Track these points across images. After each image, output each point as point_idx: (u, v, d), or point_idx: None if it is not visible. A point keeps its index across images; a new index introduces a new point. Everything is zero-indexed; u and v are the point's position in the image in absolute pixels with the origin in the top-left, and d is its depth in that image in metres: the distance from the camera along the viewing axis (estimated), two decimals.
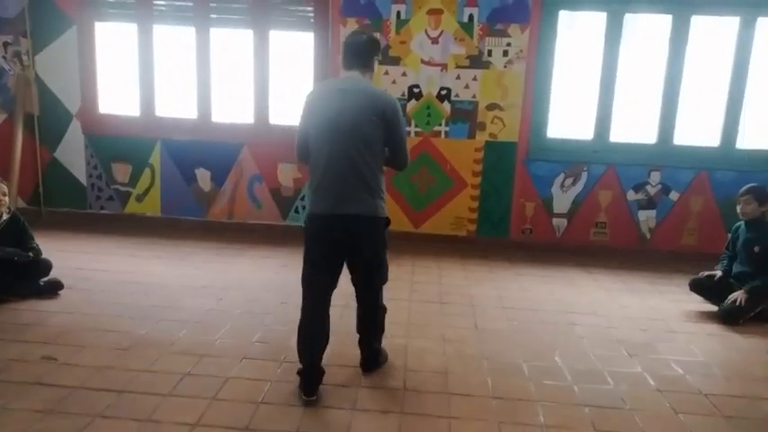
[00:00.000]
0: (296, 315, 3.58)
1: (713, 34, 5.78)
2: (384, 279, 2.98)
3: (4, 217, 4.01)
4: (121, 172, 5.84)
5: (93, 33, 5.68)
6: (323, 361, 2.87)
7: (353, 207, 2.69)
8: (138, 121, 5.79)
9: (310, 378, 2.80)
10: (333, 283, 2.85)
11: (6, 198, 4.02)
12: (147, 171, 5.81)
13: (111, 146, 5.80)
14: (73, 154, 5.83)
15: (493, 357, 3.35)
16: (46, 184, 5.87)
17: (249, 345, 3.38)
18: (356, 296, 3.01)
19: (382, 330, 3.19)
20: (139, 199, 5.87)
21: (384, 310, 3.14)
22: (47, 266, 4.08)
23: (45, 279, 4.03)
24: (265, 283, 4.41)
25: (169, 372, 3.02)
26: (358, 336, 3.13)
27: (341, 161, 2.67)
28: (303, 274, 2.84)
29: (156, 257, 4.92)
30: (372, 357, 3.13)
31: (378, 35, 5.28)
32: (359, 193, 2.70)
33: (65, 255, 4.68)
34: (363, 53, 2.83)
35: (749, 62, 5.32)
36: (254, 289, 4.28)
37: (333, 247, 2.77)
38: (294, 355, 2.92)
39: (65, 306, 3.81)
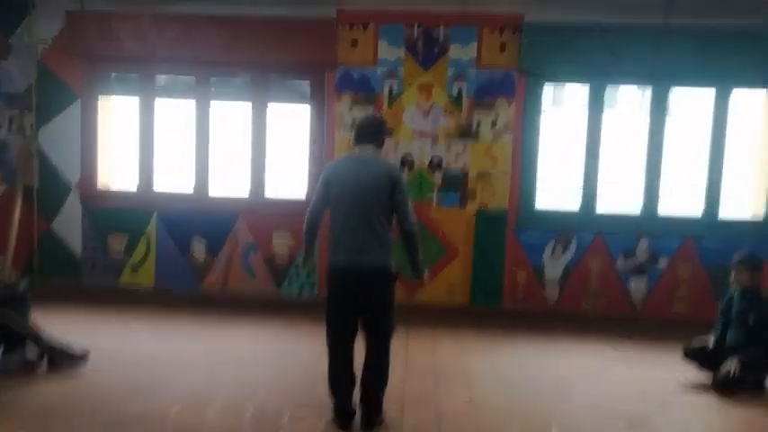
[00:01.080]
0: (290, 389, 3.58)
1: (692, 105, 6.07)
2: (392, 328, 3.32)
3: None
4: (117, 242, 5.88)
5: (96, 107, 5.87)
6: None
7: (369, 258, 3.17)
8: (135, 195, 5.90)
9: (344, 419, 3.24)
10: (354, 330, 3.25)
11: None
12: (142, 241, 5.86)
13: (109, 218, 5.87)
14: (70, 225, 5.88)
15: None
16: (40, 255, 5.90)
17: (243, 421, 3.33)
18: (366, 348, 3.28)
19: (386, 383, 3.33)
20: (135, 269, 5.88)
21: (389, 363, 3.35)
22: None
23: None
24: (259, 357, 4.38)
25: None
26: (361, 390, 3.28)
27: (360, 220, 3.18)
28: (328, 321, 3.27)
29: (148, 330, 4.89)
30: (376, 408, 3.28)
31: (371, 109, 5.51)
32: (374, 246, 3.18)
33: (54, 328, 4.61)
34: (376, 133, 3.40)
35: (726, 132, 5.53)
36: (246, 362, 4.25)
37: (350, 296, 3.20)
38: (286, 430, 2.86)
39: (53, 382, 3.76)
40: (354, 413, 3.28)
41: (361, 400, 3.30)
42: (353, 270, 3.18)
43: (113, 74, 5.87)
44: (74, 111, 5.83)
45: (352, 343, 3.29)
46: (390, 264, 3.25)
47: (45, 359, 3.96)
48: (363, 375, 3.30)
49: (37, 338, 3.91)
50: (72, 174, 5.87)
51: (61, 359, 3.93)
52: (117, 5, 5.64)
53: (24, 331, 3.91)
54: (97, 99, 5.86)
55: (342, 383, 3.28)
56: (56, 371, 3.90)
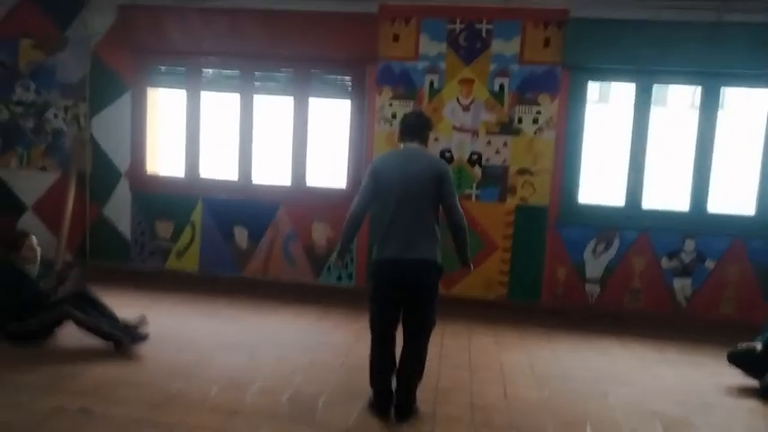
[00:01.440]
0: (325, 374, 3.66)
1: (744, 103, 5.85)
2: (434, 323, 3.37)
3: (38, 269, 4.30)
4: (164, 228, 6.09)
5: (145, 98, 6.07)
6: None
7: (420, 252, 3.24)
8: (182, 182, 6.09)
9: (383, 401, 3.32)
10: (398, 319, 3.34)
11: (37, 249, 4.30)
12: (188, 228, 6.05)
13: (156, 203, 6.08)
14: (120, 210, 6.13)
15: (522, 427, 3.31)
16: (93, 239, 6.16)
17: (279, 405, 3.42)
18: (405, 339, 3.36)
19: (422, 375, 3.39)
20: (180, 255, 6.08)
21: (426, 356, 3.40)
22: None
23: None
24: (296, 342, 4.47)
25: (200, 427, 3.07)
26: (397, 380, 3.34)
27: (409, 214, 3.26)
28: (372, 313, 3.38)
29: (192, 313, 5.06)
30: (411, 398, 3.34)
31: (411, 103, 5.53)
32: (424, 240, 3.26)
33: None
34: (423, 130, 3.48)
35: None
36: (284, 347, 4.35)
37: (398, 287, 3.26)
38: (323, 416, 3.03)
39: (102, 359, 3.94)
40: (393, 399, 3.35)
41: (397, 390, 3.34)
42: (403, 263, 3.25)
43: (162, 67, 6.05)
44: (125, 101, 6.05)
45: (395, 331, 3.38)
46: (438, 257, 3.32)
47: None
48: (400, 366, 3.35)
49: (97, 330, 4.09)
50: (122, 161, 6.10)
51: (123, 341, 4.11)
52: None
53: (87, 323, 4.09)
54: (146, 90, 6.07)
55: (384, 369, 3.37)
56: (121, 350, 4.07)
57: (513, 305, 5.59)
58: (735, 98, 5.97)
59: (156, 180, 6.14)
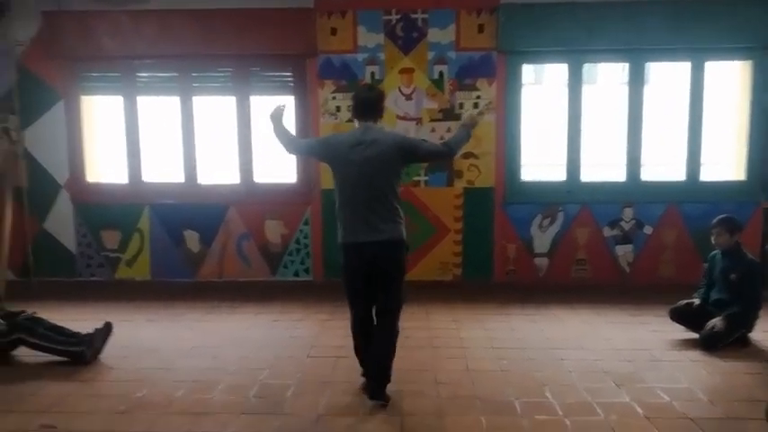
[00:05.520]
0: (291, 367, 3.69)
1: (669, 76, 6.21)
2: (402, 300, 3.43)
3: None
4: (111, 238, 5.94)
5: (79, 107, 5.88)
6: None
7: (385, 233, 3.28)
8: (125, 188, 5.94)
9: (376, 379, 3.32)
10: (374, 298, 3.40)
11: None
12: (136, 236, 5.91)
13: (100, 213, 5.91)
14: (62, 223, 5.93)
15: (485, 397, 3.44)
16: (35, 255, 5.93)
17: (246, 400, 3.43)
18: (376, 318, 3.42)
19: (395, 352, 3.42)
20: (129, 264, 5.94)
21: (398, 333, 3.45)
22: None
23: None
24: (259, 339, 4.47)
25: (169, 431, 3.05)
26: (371, 359, 3.37)
27: (371, 195, 3.27)
28: (348, 295, 3.43)
29: (148, 321, 4.97)
30: (386, 376, 3.36)
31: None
32: (387, 220, 3.30)
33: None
34: (375, 106, 3.44)
35: (702, 102, 5.67)
36: (247, 346, 4.33)
37: (367, 269, 3.31)
38: (292, 406, 3.05)
39: (60, 374, 3.83)
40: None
41: (371, 368, 3.40)
42: (368, 244, 3.27)
43: (94, 74, 5.86)
44: (58, 111, 5.84)
45: (372, 311, 3.44)
46: (403, 235, 3.35)
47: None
48: (374, 344, 3.38)
49: (52, 349, 3.98)
50: (61, 173, 5.90)
51: (84, 354, 3.99)
52: (94, 4, 5.63)
53: (41, 346, 3.98)
54: (80, 99, 5.88)
55: (368, 348, 3.41)
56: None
57: (468, 284, 5.76)
58: (660, 72, 6.31)
59: (99, 189, 5.97)
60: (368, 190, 3.28)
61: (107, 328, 4.18)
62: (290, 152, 3.72)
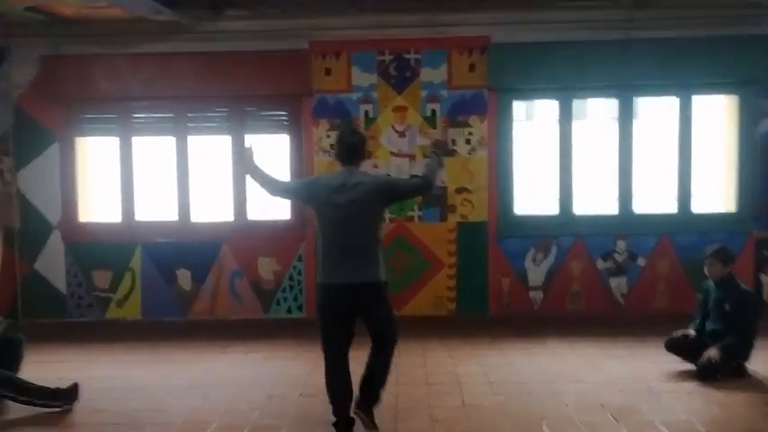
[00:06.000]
0: (284, 406, 3.62)
1: (658, 111, 6.33)
2: (397, 331, 3.44)
3: None
4: (102, 278, 5.89)
5: (74, 148, 5.93)
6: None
7: (362, 275, 3.30)
8: (118, 227, 5.94)
9: (345, 424, 3.32)
10: (349, 342, 3.40)
11: None
12: (127, 275, 5.87)
13: (92, 253, 5.88)
14: (53, 264, 5.88)
15: None
16: (24, 296, 5.87)
17: None
18: (372, 348, 3.43)
19: (386, 381, 3.46)
20: (120, 304, 5.88)
21: (391, 363, 3.48)
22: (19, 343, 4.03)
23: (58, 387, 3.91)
24: (250, 379, 4.39)
25: None
26: (363, 384, 3.38)
27: (350, 237, 3.30)
28: (323, 338, 3.40)
29: (139, 361, 4.88)
30: (376, 397, 3.40)
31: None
32: (366, 261, 3.32)
33: (45, 366, 4.59)
34: (358, 151, 3.49)
35: (691, 135, 5.77)
36: (239, 385, 4.26)
37: (345, 311, 3.33)
38: None
39: (48, 418, 3.73)
40: (354, 421, 3.36)
41: (362, 391, 3.37)
42: (348, 287, 3.29)
43: (90, 115, 5.93)
44: (52, 153, 5.87)
45: (347, 355, 3.42)
46: (381, 277, 3.37)
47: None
48: (367, 371, 3.39)
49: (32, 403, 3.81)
50: (53, 214, 5.88)
51: (52, 401, 3.85)
52: (91, 47, 5.74)
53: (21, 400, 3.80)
54: (75, 140, 5.93)
55: (341, 394, 3.38)
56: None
57: (463, 319, 5.71)
58: (649, 106, 6.44)
59: (91, 228, 5.95)
60: (350, 232, 3.31)
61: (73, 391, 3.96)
62: (271, 194, 3.66)
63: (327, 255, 3.37)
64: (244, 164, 3.66)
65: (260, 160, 3.66)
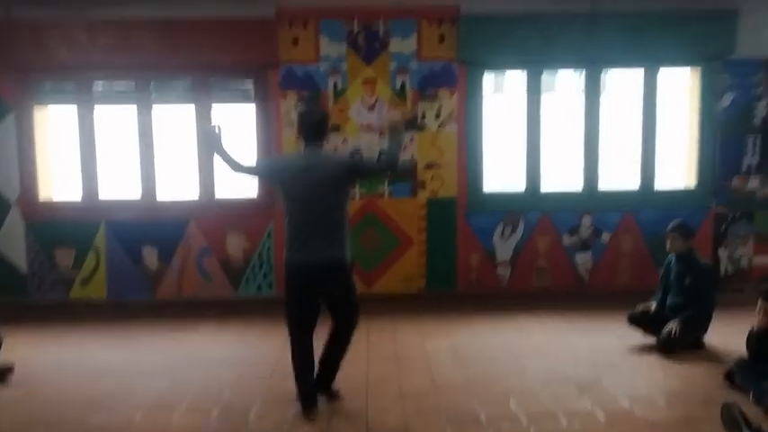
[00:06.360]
0: (254, 386, 3.63)
1: (624, 85, 6.39)
2: (358, 309, 3.51)
3: None
4: (65, 256, 5.73)
5: (31, 118, 5.67)
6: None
7: (328, 253, 3.33)
8: (80, 205, 5.76)
9: (311, 399, 3.40)
10: (315, 320, 3.44)
11: None
12: (91, 254, 5.73)
13: (54, 231, 5.70)
14: (13, 242, 5.69)
15: (451, 409, 3.44)
16: None
17: (209, 422, 3.35)
18: (332, 330, 3.51)
19: (345, 354, 3.60)
20: (84, 283, 5.74)
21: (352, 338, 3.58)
22: None
23: None
24: (220, 358, 4.37)
25: None
26: (324, 360, 3.53)
27: (316, 216, 3.32)
28: (288, 316, 3.44)
29: (105, 342, 4.80)
30: (334, 375, 3.58)
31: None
32: (330, 240, 3.34)
33: (5, 347, 4.48)
34: (320, 129, 3.46)
35: (656, 109, 5.85)
36: (209, 364, 4.24)
37: (310, 289, 3.37)
38: (255, 427, 2.99)
39: (11, 400, 3.67)
40: (316, 396, 3.47)
41: (322, 368, 3.51)
42: (312, 266, 3.33)
43: (47, 83, 5.68)
44: (8, 124, 5.62)
45: (312, 333, 3.47)
46: (346, 255, 3.42)
47: None
48: (327, 348, 3.49)
49: None
50: (11, 189, 5.66)
51: None
52: (46, 11, 5.46)
53: None
54: (32, 110, 5.68)
55: (307, 371, 3.45)
56: None
57: (433, 295, 5.77)
58: (615, 80, 6.49)
59: (52, 206, 5.77)
60: (315, 211, 3.33)
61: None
62: (236, 172, 3.67)
63: (292, 233, 3.39)
64: (210, 143, 3.59)
65: (226, 140, 3.58)
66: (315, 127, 3.44)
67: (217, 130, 3.55)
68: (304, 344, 3.44)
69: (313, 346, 3.47)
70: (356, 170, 3.47)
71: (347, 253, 3.43)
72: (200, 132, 3.60)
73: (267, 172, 3.70)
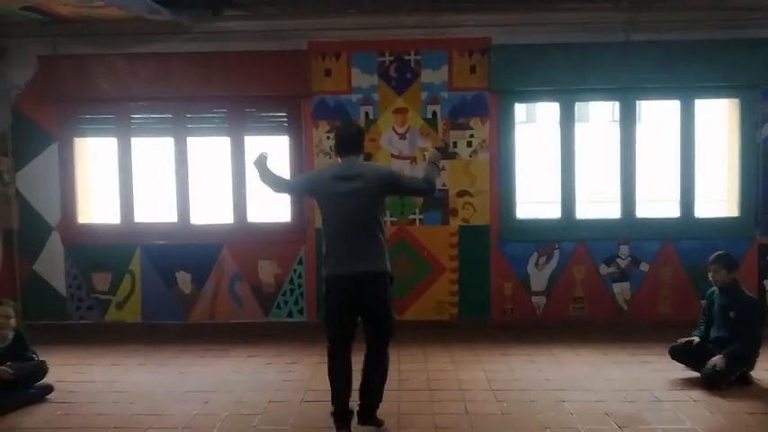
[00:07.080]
0: (285, 411, 3.59)
1: (660, 114, 6.30)
2: (393, 328, 3.45)
3: (10, 337, 4.12)
4: (101, 280, 5.85)
5: (72, 148, 5.88)
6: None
7: (369, 265, 3.31)
8: (117, 229, 5.89)
9: (343, 417, 3.34)
10: (354, 334, 3.41)
11: (12, 320, 4.15)
12: (127, 278, 5.83)
13: (91, 255, 5.84)
14: (52, 265, 5.84)
15: None
16: (25, 298, 5.82)
17: None
18: (368, 346, 3.43)
19: (386, 377, 3.51)
20: (119, 306, 5.84)
21: (389, 360, 3.52)
22: (42, 371, 4.15)
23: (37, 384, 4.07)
24: (252, 383, 4.35)
25: None
26: (363, 384, 3.43)
27: (356, 228, 3.32)
28: (328, 329, 3.41)
29: (139, 364, 4.84)
30: (378, 398, 3.47)
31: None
32: (372, 252, 3.33)
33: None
34: (356, 142, 3.51)
35: (694, 138, 5.73)
36: (240, 389, 4.22)
37: (351, 302, 3.33)
38: None
39: (48, 421, 3.71)
40: (353, 413, 3.42)
41: (363, 393, 3.44)
42: (353, 278, 3.30)
43: (89, 116, 5.88)
44: (51, 153, 5.83)
45: (350, 345, 3.44)
46: (387, 267, 3.40)
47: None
48: (366, 370, 3.42)
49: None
50: (53, 215, 5.85)
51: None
52: (90, 47, 5.70)
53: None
54: (73, 141, 5.88)
55: (343, 384, 3.41)
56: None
57: (466, 324, 5.68)
58: (651, 110, 6.40)
59: (90, 230, 5.91)
60: (353, 222, 3.34)
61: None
62: (277, 192, 3.80)
63: (331, 246, 3.39)
64: (258, 167, 3.72)
65: (272, 164, 3.76)
66: (351, 139, 3.50)
67: (264, 156, 3.73)
68: (341, 358, 3.41)
69: (351, 362, 3.42)
70: (395, 182, 3.52)
71: (388, 264, 3.41)
72: (254, 158, 3.75)
73: (306, 185, 3.73)
